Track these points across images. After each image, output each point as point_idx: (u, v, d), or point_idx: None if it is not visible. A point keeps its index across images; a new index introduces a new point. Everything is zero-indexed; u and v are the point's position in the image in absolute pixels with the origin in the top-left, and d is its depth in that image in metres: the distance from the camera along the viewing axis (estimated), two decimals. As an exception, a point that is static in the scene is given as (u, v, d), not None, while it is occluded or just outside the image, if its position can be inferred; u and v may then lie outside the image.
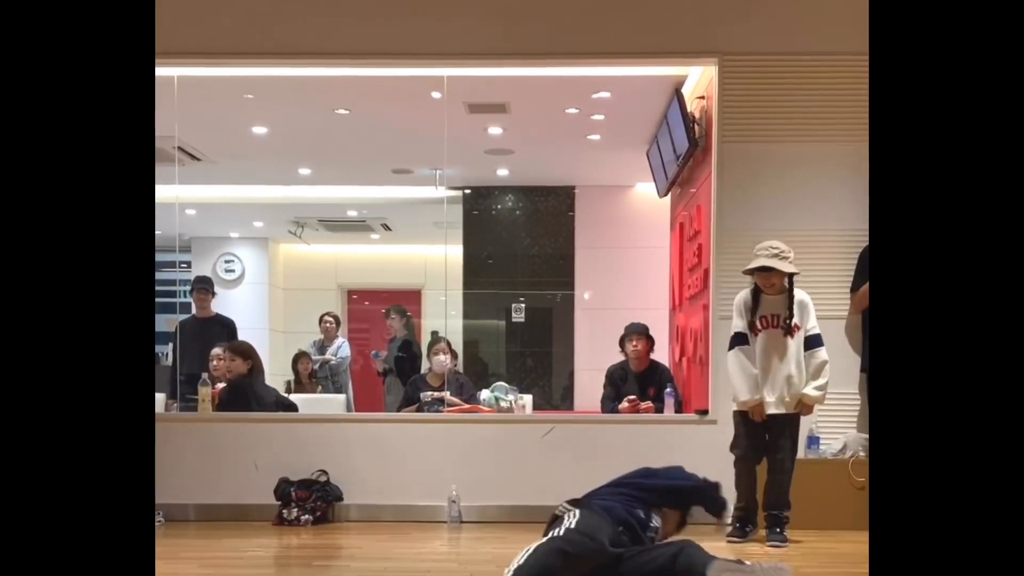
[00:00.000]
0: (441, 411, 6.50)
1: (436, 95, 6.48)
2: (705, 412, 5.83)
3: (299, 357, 9.06)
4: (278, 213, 10.28)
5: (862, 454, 5.48)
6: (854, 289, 5.48)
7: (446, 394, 6.72)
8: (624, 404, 6.40)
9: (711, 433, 5.68)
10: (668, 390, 6.29)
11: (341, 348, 9.31)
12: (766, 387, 4.91)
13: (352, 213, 10.43)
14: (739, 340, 4.97)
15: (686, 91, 6.40)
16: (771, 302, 4.91)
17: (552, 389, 9.37)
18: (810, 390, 4.87)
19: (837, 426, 5.64)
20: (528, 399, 6.98)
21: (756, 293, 4.93)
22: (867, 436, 5.48)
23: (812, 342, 4.90)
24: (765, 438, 5.02)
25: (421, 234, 10.23)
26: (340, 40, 5.79)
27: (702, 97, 6.11)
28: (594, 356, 8.20)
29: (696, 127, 6.12)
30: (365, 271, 11.48)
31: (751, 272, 4.92)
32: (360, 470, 5.80)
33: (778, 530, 4.94)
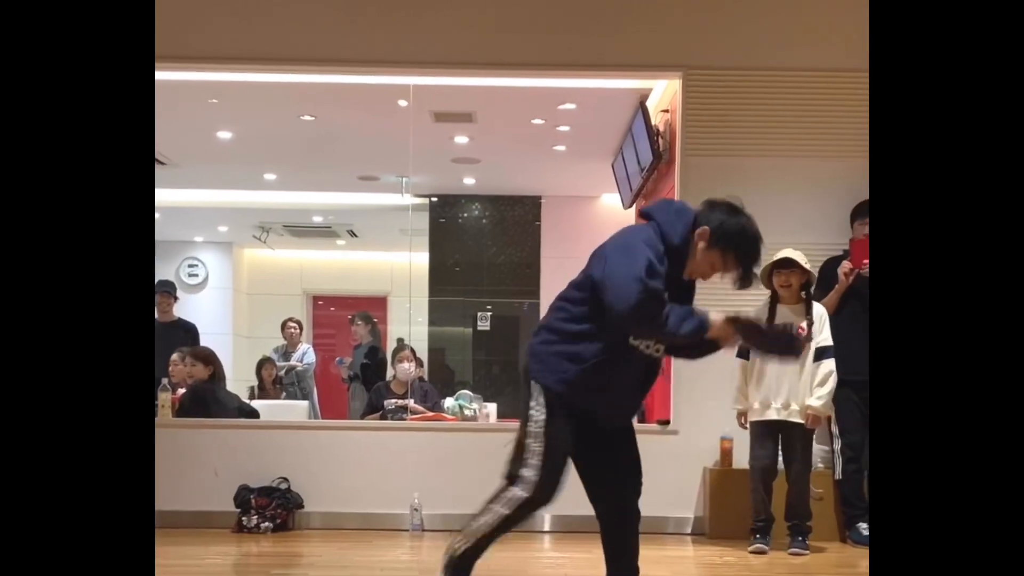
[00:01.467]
0: (405, 419, 6.49)
1: (402, 103, 6.49)
2: (667, 422, 5.87)
3: (263, 363, 9.02)
4: (243, 218, 10.23)
5: (821, 466, 5.54)
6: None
7: (410, 402, 6.72)
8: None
9: (673, 443, 5.72)
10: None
11: (306, 354, 9.27)
12: (777, 397, 4.92)
13: (318, 219, 10.41)
14: (740, 351, 4.89)
15: (651, 104, 6.46)
16: (787, 312, 4.91)
17: (518, 398, 9.37)
18: (812, 400, 4.87)
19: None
20: (492, 407, 6.99)
21: (772, 303, 4.96)
22: (826, 448, 5.54)
23: (821, 353, 4.90)
24: (778, 449, 5.02)
25: (387, 241, 10.24)
26: (306, 47, 5.78)
27: (666, 110, 6.17)
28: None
29: (660, 140, 6.18)
30: (331, 277, 11.44)
31: (768, 276, 4.91)
32: (323, 477, 5.78)
33: (800, 539, 4.98)
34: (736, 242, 3.06)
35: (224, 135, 7.47)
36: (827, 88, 5.71)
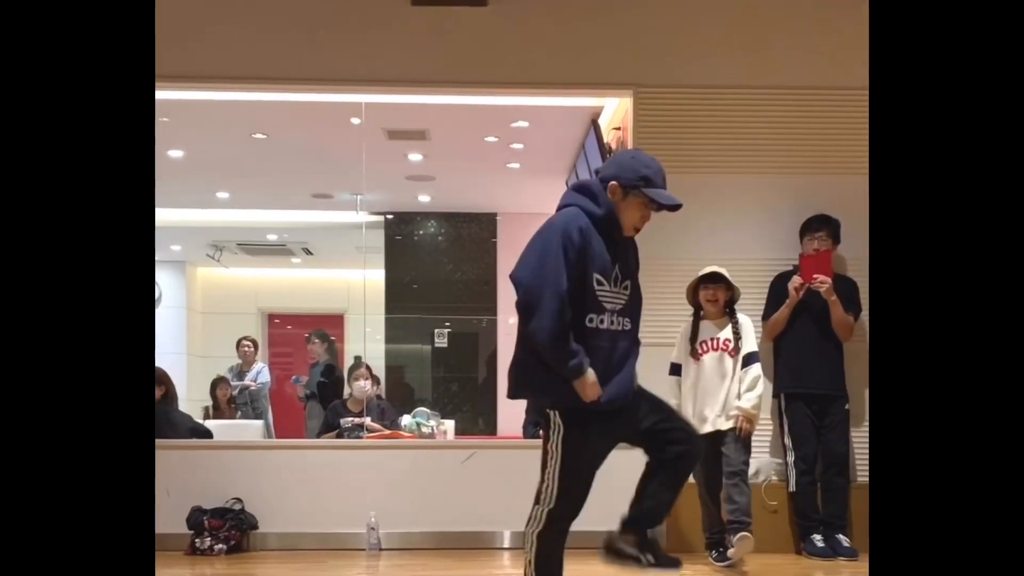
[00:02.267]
0: (361, 437, 6.46)
1: (355, 121, 6.49)
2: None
3: (217, 382, 8.94)
4: (196, 236, 10.14)
5: (775, 479, 5.59)
6: (765, 317, 5.59)
7: (366, 420, 6.69)
8: (544, 430, 6.43)
9: (624, 457, 5.73)
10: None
11: (260, 373, 9.20)
12: (711, 407, 4.92)
13: (272, 237, 10.35)
14: (672, 370, 5.08)
15: (603, 122, 6.51)
16: (710, 327, 5.00)
17: (476, 414, 9.38)
18: (741, 402, 4.89)
19: (752, 452, 5.74)
20: (450, 424, 6.98)
21: (696, 319, 5.04)
22: (780, 461, 5.60)
23: (748, 359, 4.95)
24: (719, 460, 4.96)
25: (344, 259, 10.20)
26: (257, 65, 5.76)
27: (618, 128, 6.23)
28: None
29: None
30: (287, 295, 11.38)
31: (694, 290, 5.03)
32: (278, 498, 5.73)
33: (722, 549, 5.02)
34: (641, 176, 3.08)
35: (175, 153, 7.41)
36: (776, 105, 5.79)
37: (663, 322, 5.30)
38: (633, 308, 3.15)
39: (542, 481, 3.12)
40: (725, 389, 4.92)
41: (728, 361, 4.93)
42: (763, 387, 4.99)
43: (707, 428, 4.87)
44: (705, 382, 4.94)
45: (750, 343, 4.99)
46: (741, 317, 5.04)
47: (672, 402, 4.69)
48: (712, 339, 4.97)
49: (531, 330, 2.97)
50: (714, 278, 4.98)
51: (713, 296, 4.98)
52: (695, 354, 4.99)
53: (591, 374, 2.98)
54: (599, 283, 3.01)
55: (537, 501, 3.13)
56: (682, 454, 3.16)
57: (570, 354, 2.95)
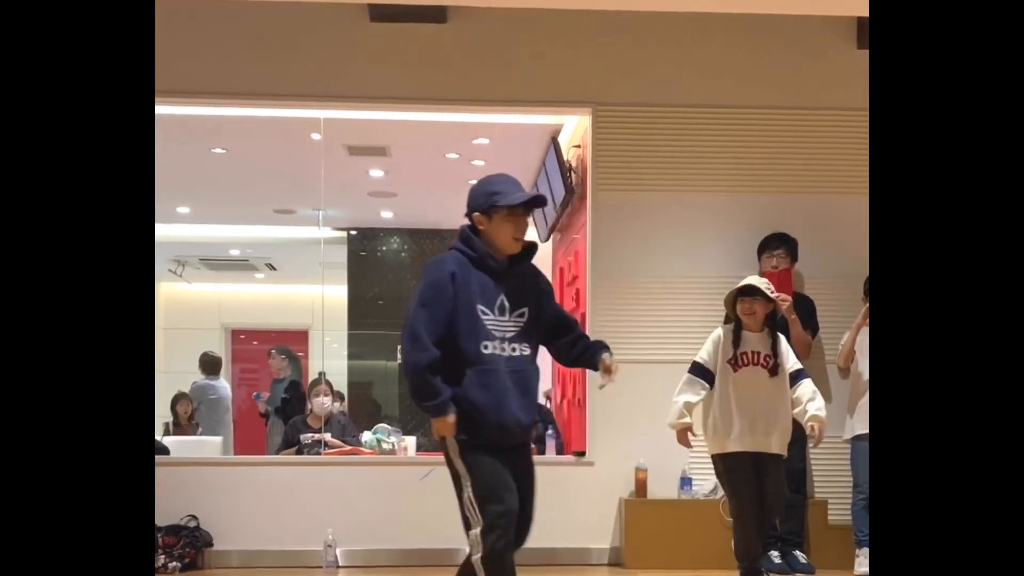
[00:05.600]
0: (321, 453, 6.42)
1: (315, 136, 6.48)
2: (582, 454, 5.91)
3: (178, 399, 8.85)
4: (158, 251, 9.99)
5: (732, 494, 5.62)
6: (724, 333, 5.63)
7: (326, 436, 6.65)
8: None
9: (589, 474, 5.77)
10: (549, 432, 6.35)
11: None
12: (747, 427, 4.51)
13: (235, 252, 10.29)
14: (695, 369, 4.63)
15: (563, 139, 6.55)
16: (752, 339, 4.61)
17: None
18: (816, 411, 4.46)
19: (710, 468, 5.74)
20: (411, 441, 6.94)
21: (737, 331, 4.64)
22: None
23: (797, 376, 4.59)
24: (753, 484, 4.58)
25: (308, 274, 10.12)
26: (216, 79, 5.76)
27: (578, 146, 6.27)
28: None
29: (572, 175, 6.26)
30: (250, 311, 11.30)
31: (732, 303, 4.66)
32: (236, 514, 5.68)
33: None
34: (490, 194, 3.25)
35: (135, 168, 7.35)
36: (734, 124, 5.86)
37: (623, 337, 5.33)
38: (528, 333, 3.28)
39: (463, 507, 3.24)
40: (773, 409, 4.55)
41: (766, 378, 4.56)
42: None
43: (772, 448, 4.53)
44: (749, 398, 4.55)
45: (793, 359, 4.65)
46: (780, 336, 4.70)
47: (685, 399, 4.55)
48: (754, 352, 4.60)
49: (404, 368, 3.23)
50: (750, 291, 4.63)
51: (751, 309, 4.61)
52: (735, 364, 4.59)
53: (451, 417, 3.18)
54: (484, 313, 3.21)
55: (468, 527, 3.23)
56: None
57: (433, 394, 3.19)
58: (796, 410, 4.54)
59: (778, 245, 5.56)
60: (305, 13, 5.73)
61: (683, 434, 4.58)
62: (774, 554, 5.35)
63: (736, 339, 4.63)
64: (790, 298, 5.37)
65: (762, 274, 5.54)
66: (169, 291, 11.49)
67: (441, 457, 6.35)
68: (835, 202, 5.77)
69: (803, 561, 5.30)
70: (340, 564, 5.65)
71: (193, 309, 11.61)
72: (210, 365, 9.26)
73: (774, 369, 4.58)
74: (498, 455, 3.22)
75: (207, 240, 9.77)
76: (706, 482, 5.68)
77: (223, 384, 9.33)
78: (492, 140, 6.73)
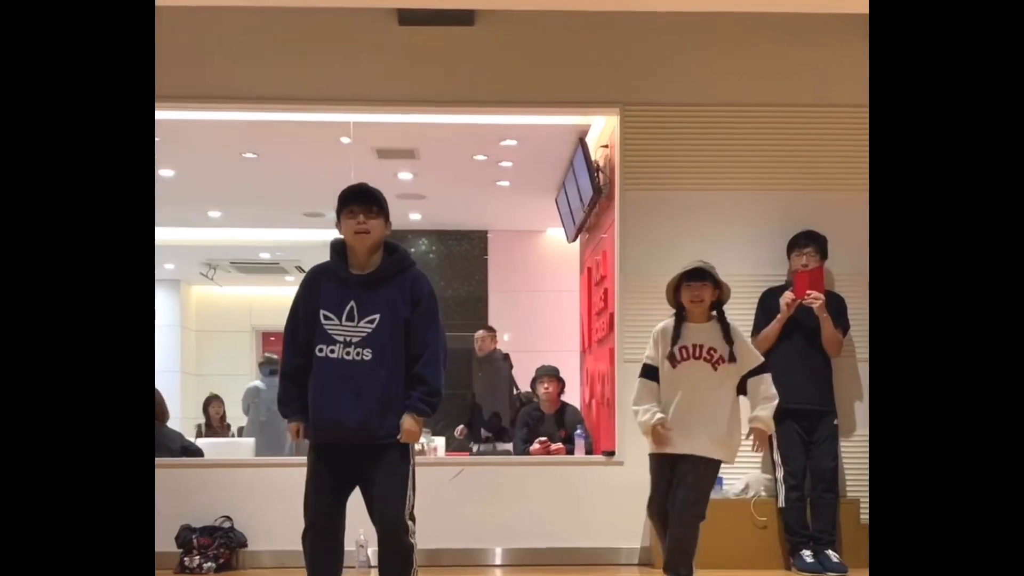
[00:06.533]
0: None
1: (345, 140, 6.52)
2: (612, 453, 5.91)
3: (211, 400, 8.94)
4: (189, 255, 10.17)
5: (764, 494, 5.60)
6: (755, 333, 5.62)
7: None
8: (536, 446, 6.44)
9: (618, 473, 5.76)
10: (579, 432, 6.36)
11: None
12: (683, 427, 4.14)
13: (265, 255, 10.37)
14: (645, 371, 4.29)
15: (590, 140, 6.55)
16: (696, 331, 4.21)
17: (470, 430, 9.38)
18: (759, 411, 4.18)
19: (739, 467, 5.75)
20: (440, 441, 6.98)
21: (679, 320, 4.25)
22: (769, 477, 5.61)
23: (760, 369, 4.23)
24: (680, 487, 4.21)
25: (337, 277, 10.20)
26: (247, 85, 5.81)
27: (606, 146, 6.26)
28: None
29: (600, 175, 6.26)
30: (280, 313, 11.29)
31: (675, 289, 4.28)
32: (268, 515, 5.71)
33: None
34: (338, 203, 3.54)
35: (167, 173, 7.44)
36: (762, 122, 5.83)
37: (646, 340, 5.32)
38: (377, 340, 3.44)
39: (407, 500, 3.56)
40: (710, 409, 4.16)
41: (712, 374, 4.17)
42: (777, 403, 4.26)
43: (697, 451, 4.13)
44: (688, 397, 4.16)
45: (753, 353, 4.29)
46: (732, 322, 4.29)
47: (651, 406, 4.21)
48: (695, 346, 4.19)
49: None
50: (699, 275, 4.22)
51: (698, 296, 4.19)
52: (673, 359, 4.19)
53: (294, 425, 3.55)
54: (327, 318, 3.45)
55: (412, 518, 3.56)
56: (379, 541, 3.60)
57: (287, 399, 3.56)
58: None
59: (808, 243, 5.54)
60: (334, 18, 5.77)
61: (657, 429, 4.16)
62: (806, 553, 5.33)
63: (676, 332, 4.22)
64: (822, 297, 5.35)
65: (792, 272, 5.54)
66: (200, 294, 11.62)
67: (470, 457, 6.38)
68: (865, 199, 5.70)
69: (835, 560, 5.28)
70: (372, 564, 5.67)
71: (224, 312, 11.74)
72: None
73: (718, 363, 4.15)
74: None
75: (238, 243, 9.86)
76: (737, 482, 5.67)
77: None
78: (520, 141, 6.75)
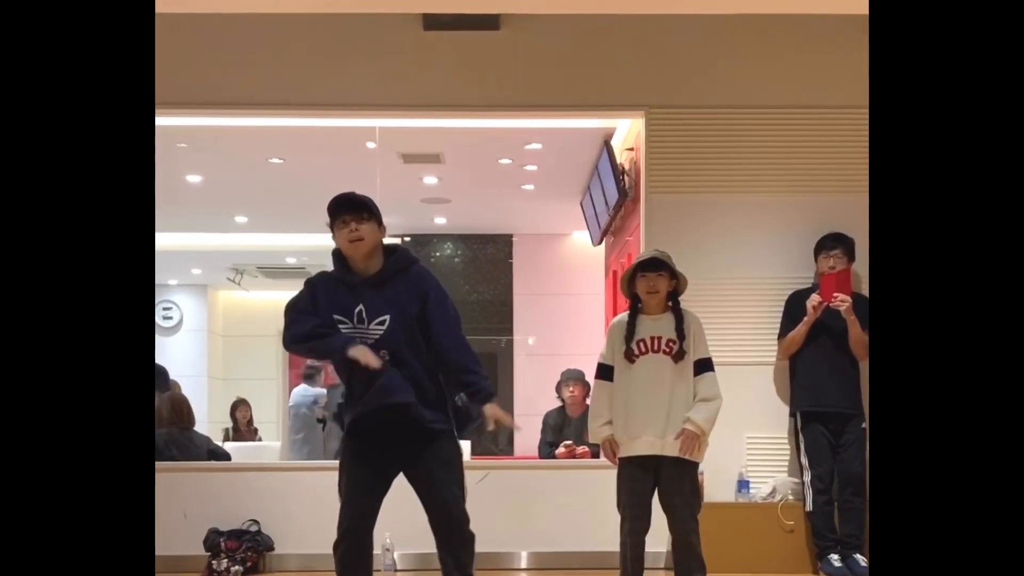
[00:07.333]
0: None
1: (370, 145, 6.55)
2: (637, 457, 5.89)
3: (237, 405, 8.98)
4: (216, 260, 10.23)
5: (791, 498, 5.57)
6: (781, 335, 5.59)
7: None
8: (561, 449, 6.44)
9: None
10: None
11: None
12: (648, 424, 3.95)
13: (292, 260, 10.42)
14: (600, 372, 4.11)
15: (616, 143, 6.54)
16: (652, 323, 4.02)
17: (495, 434, 9.39)
18: (693, 413, 3.92)
19: (766, 470, 5.73)
20: (467, 445, 6.98)
21: (635, 313, 4.06)
22: (796, 480, 5.57)
23: (701, 366, 4.00)
24: (652, 495, 4.05)
25: (363, 281, 10.23)
26: (273, 91, 5.84)
27: (631, 149, 6.25)
28: (535, 401, 8.26)
29: (626, 178, 6.25)
30: (307, 318, 11.39)
31: (630, 280, 4.08)
32: (295, 519, 5.74)
33: None
34: (329, 216, 3.55)
35: (194, 179, 7.50)
36: (788, 124, 5.80)
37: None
38: (390, 342, 3.47)
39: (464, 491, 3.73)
40: (668, 401, 3.95)
41: (669, 367, 3.97)
42: (720, 404, 3.98)
43: (644, 450, 3.96)
44: (640, 391, 3.98)
45: (702, 347, 4.01)
46: (688, 313, 4.06)
47: (603, 417, 4.05)
48: (652, 338, 3.99)
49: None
50: (654, 264, 4.02)
51: (653, 286, 3.98)
52: (630, 356, 4.00)
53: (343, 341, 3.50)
54: (340, 322, 3.48)
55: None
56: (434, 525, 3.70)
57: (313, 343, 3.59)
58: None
59: (835, 245, 5.51)
60: (359, 23, 5.80)
61: (605, 447, 4.07)
62: (834, 557, 5.30)
63: (632, 325, 4.02)
64: (849, 299, 5.31)
65: (819, 275, 5.51)
66: (227, 299, 11.67)
67: (494, 461, 6.39)
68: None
69: (863, 564, 5.24)
70: (398, 568, 5.69)
71: (251, 317, 11.77)
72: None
73: (679, 355, 3.96)
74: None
75: (264, 249, 9.91)
76: (764, 485, 5.64)
77: (313, 391, 9.31)
78: (544, 145, 6.75)
